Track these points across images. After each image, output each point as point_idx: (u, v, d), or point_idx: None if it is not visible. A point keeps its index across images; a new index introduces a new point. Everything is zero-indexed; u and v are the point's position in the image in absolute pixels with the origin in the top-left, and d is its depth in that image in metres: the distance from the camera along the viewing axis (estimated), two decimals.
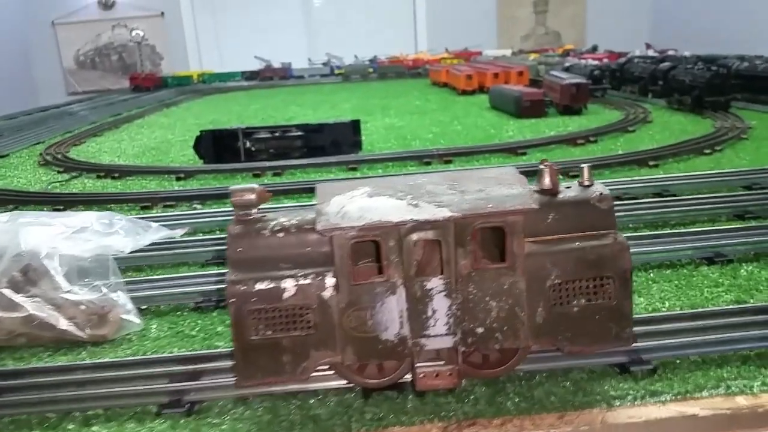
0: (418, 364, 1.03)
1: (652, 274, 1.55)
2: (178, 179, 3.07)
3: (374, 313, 1.01)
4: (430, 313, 1.02)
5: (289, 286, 1.02)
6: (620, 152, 2.93)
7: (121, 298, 1.47)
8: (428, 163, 3.01)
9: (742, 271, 1.52)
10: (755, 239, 1.65)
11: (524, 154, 3.10)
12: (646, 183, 2.30)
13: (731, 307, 1.32)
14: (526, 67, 6.06)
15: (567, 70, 5.19)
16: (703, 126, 3.53)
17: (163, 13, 10.62)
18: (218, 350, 1.28)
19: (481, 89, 5.96)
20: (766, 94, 3.96)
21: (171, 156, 3.79)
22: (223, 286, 1.53)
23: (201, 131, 3.42)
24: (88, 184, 3.11)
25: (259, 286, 1.02)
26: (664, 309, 1.36)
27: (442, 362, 1.03)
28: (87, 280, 1.48)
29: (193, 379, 1.16)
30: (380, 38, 10.61)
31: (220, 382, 1.15)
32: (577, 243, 1.03)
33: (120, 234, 1.66)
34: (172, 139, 4.48)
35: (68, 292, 1.43)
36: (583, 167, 1.10)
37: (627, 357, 1.15)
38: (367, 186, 1.07)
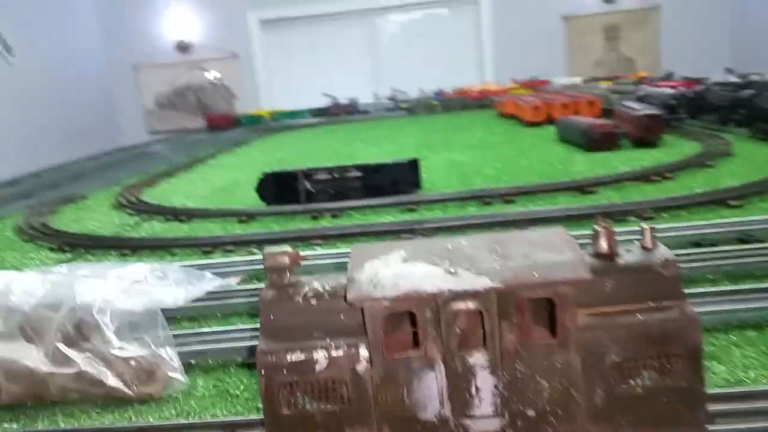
0: None
1: (733, 337, 1.39)
2: (240, 222, 3.11)
3: (411, 389, 0.94)
4: (473, 391, 0.93)
5: (320, 357, 0.96)
6: (698, 191, 2.73)
7: (168, 353, 1.45)
8: (488, 204, 2.91)
9: None
10: None
11: (593, 192, 2.95)
12: (728, 227, 2.10)
13: None
14: (596, 96, 5.86)
15: (641, 99, 4.97)
16: None
17: (236, 55, 11.04)
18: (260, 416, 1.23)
19: (549, 120, 5.80)
20: None
21: (237, 197, 3.86)
22: None
23: (263, 173, 3.46)
24: (157, 227, 3.20)
25: (291, 357, 0.96)
26: (748, 381, 1.21)
27: None
28: (136, 334, 1.48)
29: None
30: (445, 70, 10.61)
31: None
32: (639, 316, 0.92)
33: (172, 286, 1.66)
34: (240, 179, 4.57)
35: (119, 348, 1.43)
36: (644, 228, 0.99)
37: None
38: (402, 250, 1.00)
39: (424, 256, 0.97)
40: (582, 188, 2.99)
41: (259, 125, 9.55)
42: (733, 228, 2.09)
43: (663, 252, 0.97)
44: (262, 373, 0.96)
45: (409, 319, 0.97)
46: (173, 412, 1.33)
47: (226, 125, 9.78)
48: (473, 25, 11.23)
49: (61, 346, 1.46)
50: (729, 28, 10.53)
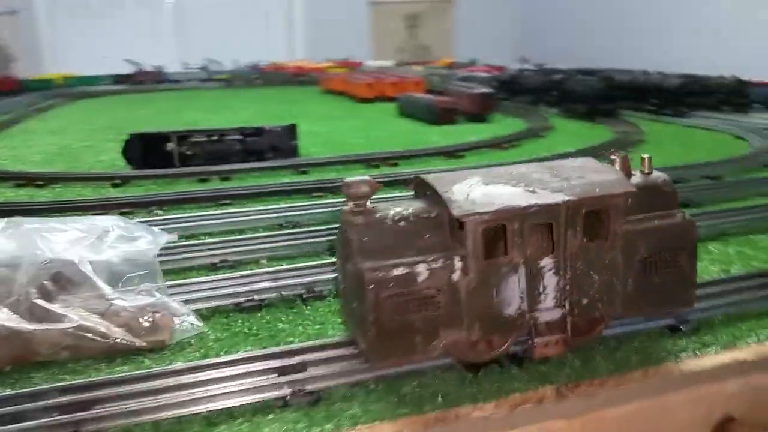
0: (535, 336, 1.14)
1: None
2: (115, 186, 2.90)
3: (499, 291, 1.11)
4: (542, 288, 1.13)
5: (422, 270, 1.08)
6: (545, 154, 3.22)
7: (174, 301, 1.41)
8: (377, 166, 3.11)
9: (711, 247, 1.84)
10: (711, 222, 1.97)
11: (461, 157, 3.31)
12: None
13: (732, 275, 1.59)
14: (421, 77, 6.35)
15: (467, 80, 5.54)
16: (601, 131, 3.97)
17: (15, 11, 9.68)
18: (321, 341, 1.28)
19: (380, 97, 6.16)
20: (645, 103, 4.51)
21: (86, 162, 3.54)
22: (267, 285, 1.56)
23: (129, 135, 3.24)
24: (9, 193, 2.84)
25: (396, 272, 1.07)
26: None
27: (553, 333, 1.15)
28: (126, 285, 1.42)
29: (303, 370, 1.17)
30: (255, 45, 10.49)
31: (332, 371, 1.17)
32: (656, 221, 1.19)
33: (143, 237, 1.59)
34: (72, 144, 4.17)
35: (116, 299, 1.36)
36: (644, 157, 1.27)
37: (674, 319, 1.33)
38: (477, 176, 1.15)
39: (500, 179, 1.14)
40: (451, 153, 3.33)
41: (48, 90, 8.55)
42: None
43: (660, 174, 1.26)
44: (371, 287, 1.05)
45: (491, 233, 1.13)
46: (198, 355, 1.31)
47: (9, 89, 8.57)
48: (285, 2, 11.22)
49: (43, 302, 1.34)
50: (519, 23, 11.89)
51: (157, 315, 1.37)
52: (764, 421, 1.15)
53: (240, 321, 1.47)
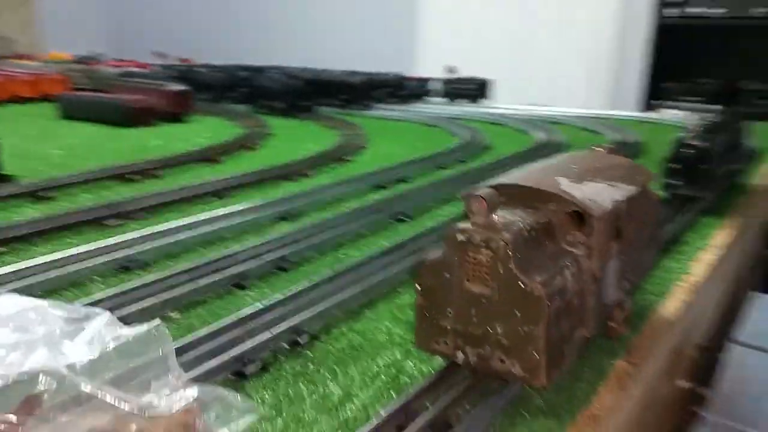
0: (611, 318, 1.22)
1: None
2: None
3: (606, 282, 1.14)
4: (613, 275, 1.21)
5: (569, 277, 1.04)
6: (307, 153, 3.19)
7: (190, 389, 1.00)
8: (137, 181, 2.59)
9: None
10: None
11: (220, 162, 3.02)
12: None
13: None
14: (62, 73, 5.40)
15: (129, 76, 4.96)
16: (320, 128, 4.10)
17: None
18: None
19: (11, 99, 5.01)
20: (334, 99, 4.82)
21: None
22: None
23: None
24: None
25: (557, 282, 1.00)
26: None
27: (620, 312, 1.25)
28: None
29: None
30: None
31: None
32: (648, 199, 1.40)
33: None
34: None
35: (145, 406, 0.89)
36: (605, 145, 1.46)
37: None
38: (560, 176, 1.15)
39: (583, 178, 1.17)
40: (210, 159, 3.01)
41: None
42: None
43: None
44: (548, 302, 0.97)
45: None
46: None
47: None
48: None
49: None
50: (105, 12, 10.99)
51: (185, 415, 0.95)
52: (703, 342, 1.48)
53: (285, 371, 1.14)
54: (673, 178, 2.28)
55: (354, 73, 5.00)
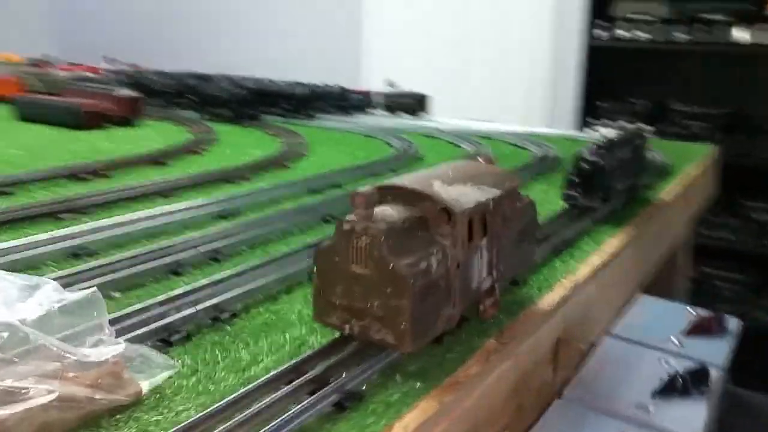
0: (482, 301, 1.49)
1: None
2: None
3: (469, 270, 1.41)
4: (481, 264, 1.48)
5: (434, 261, 1.30)
6: (258, 156, 3.40)
7: (118, 344, 1.21)
8: (86, 180, 2.77)
9: None
10: None
11: (165, 164, 3.21)
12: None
13: None
14: (17, 75, 5.47)
15: (81, 80, 5.08)
16: (264, 136, 4.31)
17: None
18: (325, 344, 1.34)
19: None
20: (277, 108, 5.03)
21: None
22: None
23: None
24: None
25: (422, 265, 1.26)
26: None
27: (489, 297, 1.52)
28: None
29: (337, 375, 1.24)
30: None
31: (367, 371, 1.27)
32: (520, 203, 1.67)
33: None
34: None
35: (75, 355, 1.11)
36: (488, 154, 1.74)
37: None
38: (434, 179, 1.41)
39: (454, 181, 1.43)
40: (156, 161, 3.20)
41: None
42: None
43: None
44: (412, 281, 1.22)
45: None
46: (198, 399, 1.19)
47: None
48: None
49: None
50: (49, 13, 10.89)
51: (111, 367, 1.17)
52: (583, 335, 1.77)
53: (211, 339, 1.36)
54: (571, 190, 2.58)
55: (299, 84, 5.22)
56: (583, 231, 2.41)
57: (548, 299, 1.79)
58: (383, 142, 4.12)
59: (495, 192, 1.47)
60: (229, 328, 1.49)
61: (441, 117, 5.36)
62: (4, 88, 5.19)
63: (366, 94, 5.82)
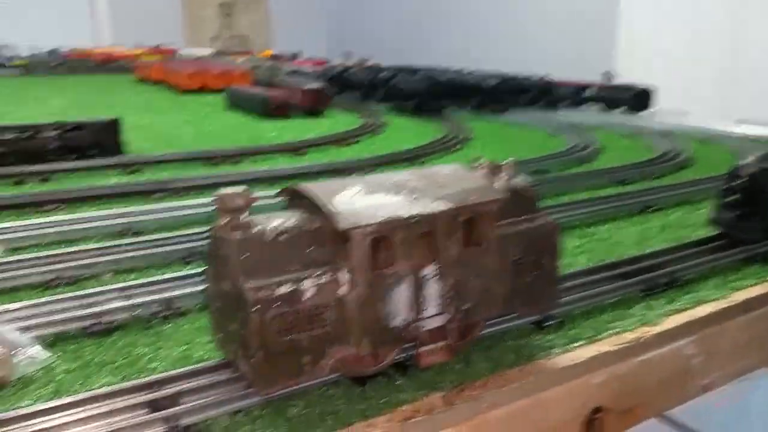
0: (420, 344, 1.14)
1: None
2: None
3: (386, 303, 1.08)
4: (425, 297, 1.13)
5: (308, 286, 1.02)
6: (387, 152, 3.27)
7: (8, 329, 1.20)
8: (216, 164, 2.93)
9: None
10: None
11: (304, 153, 3.25)
12: None
13: (585, 268, 1.69)
14: (247, 69, 6.15)
15: (297, 73, 5.47)
16: (432, 128, 4.14)
17: None
18: (194, 366, 1.16)
19: (203, 89, 5.86)
20: (466, 101, 4.78)
21: None
22: (117, 304, 1.39)
23: None
24: None
25: (281, 290, 1.00)
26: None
27: (437, 339, 1.16)
28: None
29: (177, 404, 1.05)
30: (55, 28, 9.41)
31: (211, 400, 1.07)
32: (524, 225, 1.25)
33: None
34: None
35: None
36: (508, 162, 1.33)
37: (539, 315, 1.41)
38: (357, 185, 1.12)
39: (381, 189, 1.12)
40: (295, 150, 3.26)
41: None
42: None
43: (522, 179, 1.32)
44: (255, 308, 0.97)
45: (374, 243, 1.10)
46: (50, 390, 1.13)
47: None
48: None
49: None
50: (336, 11, 11.99)
51: None
52: (628, 407, 1.26)
53: (91, 347, 1.29)
54: (724, 211, 1.93)
55: (492, 76, 4.88)
56: (714, 268, 1.76)
57: (572, 355, 1.32)
58: (559, 140, 3.65)
59: (450, 205, 1.11)
60: None
61: (672, 115, 4.48)
62: (235, 79, 5.86)
63: (580, 88, 5.23)
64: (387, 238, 1.07)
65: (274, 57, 7.62)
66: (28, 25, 9.12)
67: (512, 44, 8.03)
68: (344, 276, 1.04)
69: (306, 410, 1.08)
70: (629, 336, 1.38)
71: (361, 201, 1.07)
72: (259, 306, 0.97)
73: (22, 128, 2.78)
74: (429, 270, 1.12)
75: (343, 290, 1.04)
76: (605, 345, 1.34)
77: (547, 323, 1.40)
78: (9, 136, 2.75)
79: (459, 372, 1.21)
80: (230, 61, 7.51)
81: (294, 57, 8.17)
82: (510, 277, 1.22)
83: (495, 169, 1.28)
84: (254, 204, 1.04)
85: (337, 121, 4.43)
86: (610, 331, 1.39)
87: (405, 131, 4.07)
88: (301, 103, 4.53)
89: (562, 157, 3.20)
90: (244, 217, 1.04)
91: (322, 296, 1.03)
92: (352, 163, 2.90)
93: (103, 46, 9.49)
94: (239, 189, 1.05)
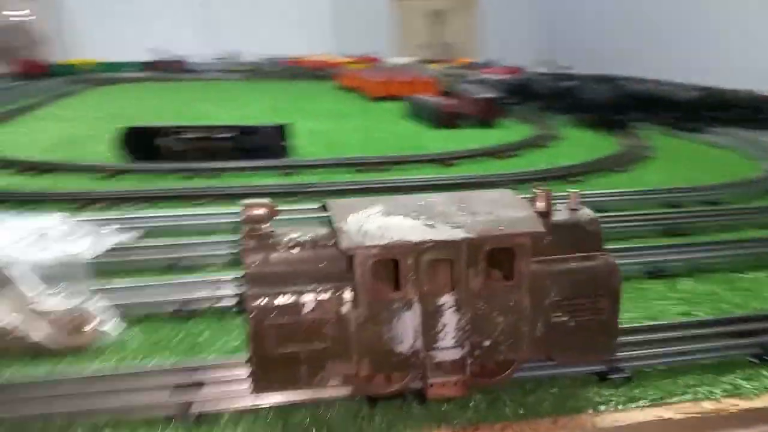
0: (430, 375, 1.09)
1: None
2: (104, 178, 2.93)
3: (391, 327, 1.06)
4: (440, 327, 1.08)
5: (308, 300, 1.04)
6: (542, 167, 3.13)
7: (99, 304, 1.41)
8: (362, 171, 3.06)
9: (680, 285, 1.72)
10: (689, 255, 1.86)
11: (453, 165, 3.24)
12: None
13: (686, 320, 1.47)
14: (434, 77, 6.27)
15: (479, 83, 5.45)
16: (608, 143, 3.85)
17: None
18: (223, 359, 1.26)
19: (391, 96, 6.10)
20: (657, 115, 4.35)
21: (87, 152, 3.59)
22: (204, 294, 1.55)
23: (127, 128, 3.27)
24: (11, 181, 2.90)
25: (280, 300, 1.03)
26: (624, 320, 1.50)
27: (451, 373, 1.10)
28: (57, 287, 1.41)
29: (197, 389, 1.15)
30: (278, 37, 10.52)
31: (225, 392, 1.15)
32: (573, 264, 1.12)
33: (80, 238, 1.59)
34: (78, 134, 4.24)
35: (38, 301, 1.35)
36: (572, 193, 1.21)
37: (605, 366, 1.26)
38: (380, 205, 1.11)
39: (401, 210, 1.09)
40: (444, 161, 3.27)
41: (73, 75, 8.74)
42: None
43: (587, 212, 1.19)
44: (252, 315, 1.02)
45: (390, 266, 1.08)
46: (112, 363, 1.31)
47: (35, 73, 8.78)
48: None
49: None
50: (546, 23, 11.66)
51: (78, 318, 1.36)
52: None
53: (167, 329, 1.45)
54: None
55: (691, 88, 4.37)
56: None
57: (620, 416, 1.15)
58: (755, 165, 3.18)
59: (471, 234, 1.04)
60: None
61: None
62: (421, 88, 6.00)
63: None
64: (394, 262, 1.05)
65: (469, 65, 7.65)
66: (259, 35, 10.31)
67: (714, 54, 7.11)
68: (348, 294, 1.04)
69: (307, 420, 1.11)
70: (708, 406, 1.17)
71: (375, 221, 1.06)
72: (255, 313, 1.02)
73: (200, 129, 3.19)
74: (446, 299, 1.07)
75: (345, 308, 1.04)
76: (669, 411, 1.15)
77: (610, 375, 1.25)
78: (189, 135, 3.16)
79: (480, 411, 1.14)
80: (423, 69, 7.70)
81: (486, 65, 8.12)
82: (545, 318, 1.11)
83: (547, 197, 1.18)
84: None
85: (507, 132, 4.33)
86: (685, 396, 1.19)
87: (576, 146, 3.84)
88: (473, 113, 4.51)
89: (745, 186, 2.76)
90: (266, 227, 1.10)
91: (322, 311, 1.04)
92: (492, 177, 2.83)
93: (317, 54, 10.35)
94: (263, 200, 1.10)
